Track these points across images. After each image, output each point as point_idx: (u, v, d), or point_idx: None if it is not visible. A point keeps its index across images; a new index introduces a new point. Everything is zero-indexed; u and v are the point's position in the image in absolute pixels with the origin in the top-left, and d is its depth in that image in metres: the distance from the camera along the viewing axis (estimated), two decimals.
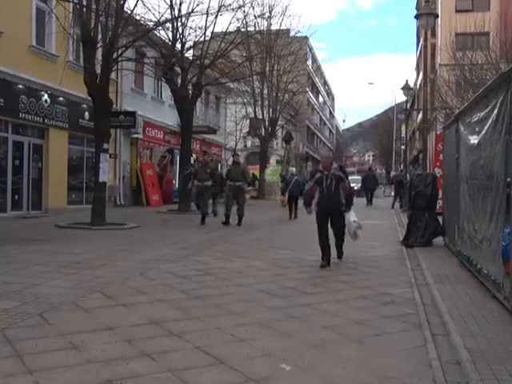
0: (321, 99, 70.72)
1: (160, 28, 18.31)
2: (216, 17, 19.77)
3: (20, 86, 15.90)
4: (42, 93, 16.86)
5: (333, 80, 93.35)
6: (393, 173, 44.32)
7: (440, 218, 11.09)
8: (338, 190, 8.08)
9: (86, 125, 18.82)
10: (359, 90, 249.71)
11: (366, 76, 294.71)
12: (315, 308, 5.60)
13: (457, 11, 32.55)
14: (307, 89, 49.61)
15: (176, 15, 19.00)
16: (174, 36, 19.32)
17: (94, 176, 15.15)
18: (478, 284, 6.67)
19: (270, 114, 32.64)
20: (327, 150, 58.46)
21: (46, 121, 17.10)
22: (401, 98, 54.39)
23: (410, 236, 10.95)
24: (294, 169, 20.93)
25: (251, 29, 25.58)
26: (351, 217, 8.48)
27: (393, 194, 39.59)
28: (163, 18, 18.06)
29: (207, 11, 19.25)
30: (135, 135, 22.66)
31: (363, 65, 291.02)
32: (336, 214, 8.21)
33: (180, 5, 19.25)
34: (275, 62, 31.60)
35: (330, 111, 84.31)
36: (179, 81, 20.34)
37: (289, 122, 39.51)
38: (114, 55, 14.73)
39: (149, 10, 18.49)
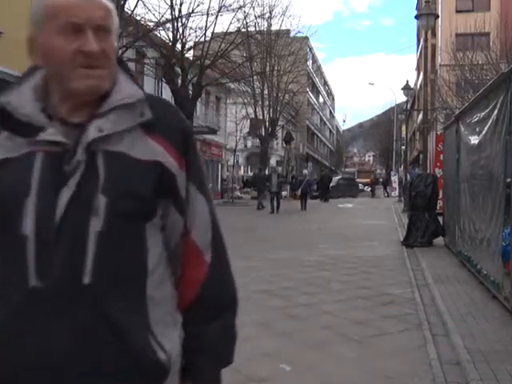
0: (321, 99, 70.66)
1: (160, 28, 18.36)
2: (216, 17, 19.88)
3: None
4: None
5: (332, 80, 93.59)
6: (394, 173, 43.97)
7: (440, 219, 11.08)
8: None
9: None
10: (359, 90, 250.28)
11: (366, 76, 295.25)
12: (315, 308, 5.60)
13: (457, 11, 32.52)
14: (307, 89, 49.60)
15: (176, 16, 19.03)
16: (175, 36, 19.33)
17: None
18: (478, 284, 6.66)
19: (271, 115, 32.62)
20: None
21: None
22: (401, 98, 54.33)
23: (410, 236, 10.93)
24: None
25: (251, 29, 25.61)
26: None
27: (394, 193, 39.47)
28: (163, 19, 18.13)
29: (207, 12, 19.33)
30: None
31: (362, 65, 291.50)
32: None
33: (180, 5, 19.29)
34: (275, 63, 31.61)
35: (330, 111, 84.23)
36: (179, 81, 20.34)
37: (289, 122, 39.50)
38: None
39: (149, 10, 18.52)
